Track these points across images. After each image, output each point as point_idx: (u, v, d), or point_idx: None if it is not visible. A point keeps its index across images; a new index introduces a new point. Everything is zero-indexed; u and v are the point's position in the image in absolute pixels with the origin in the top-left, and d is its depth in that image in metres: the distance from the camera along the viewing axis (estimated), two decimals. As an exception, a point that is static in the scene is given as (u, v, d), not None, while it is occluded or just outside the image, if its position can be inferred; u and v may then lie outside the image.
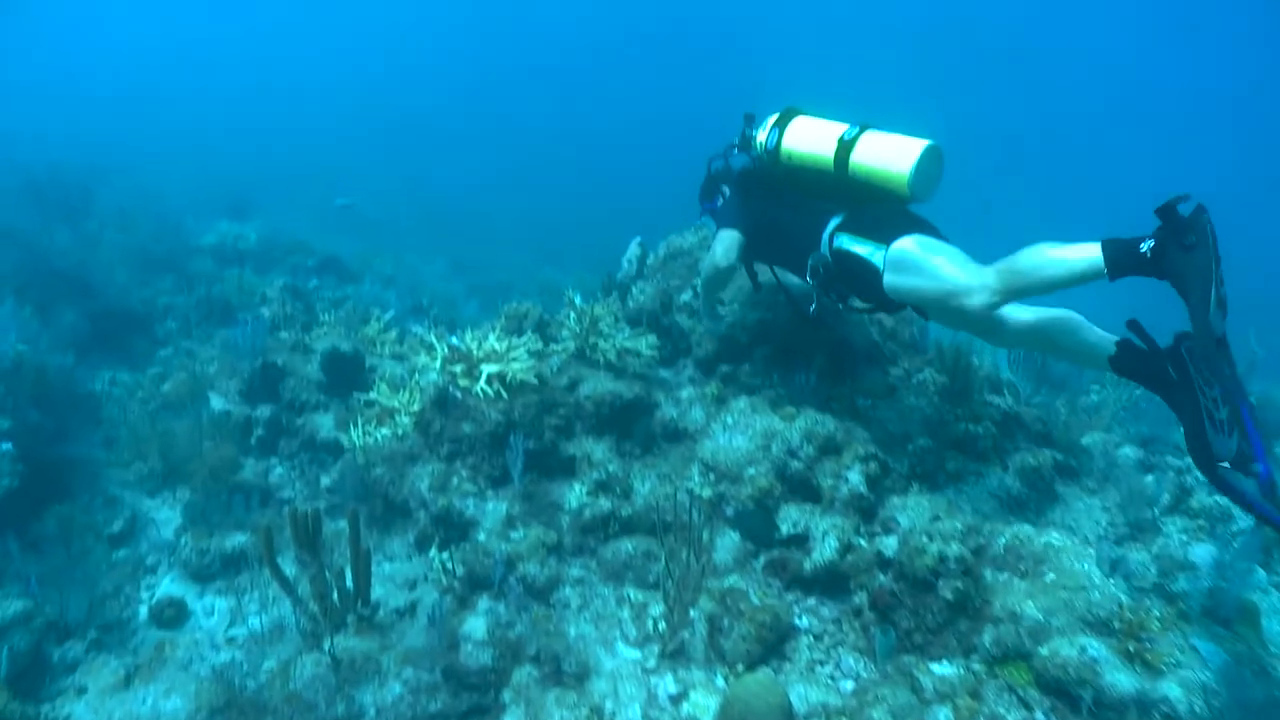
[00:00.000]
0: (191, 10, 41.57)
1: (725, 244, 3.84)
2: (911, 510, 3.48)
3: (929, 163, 3.26)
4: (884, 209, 3.34)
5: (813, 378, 4.02)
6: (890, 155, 3.27)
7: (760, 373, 4.51)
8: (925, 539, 2.89)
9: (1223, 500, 3.58)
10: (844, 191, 3.46)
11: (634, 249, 6.56)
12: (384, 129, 31.18)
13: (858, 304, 3.59)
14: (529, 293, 8.60)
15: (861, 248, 3.25)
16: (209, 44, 40.67)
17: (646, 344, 4.69)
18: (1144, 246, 2.48)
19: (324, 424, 4.81)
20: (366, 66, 40.98)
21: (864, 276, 3.26)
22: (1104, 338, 2.87)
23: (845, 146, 3.39)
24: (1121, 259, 2.53)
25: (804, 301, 3.78)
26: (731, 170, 4.04)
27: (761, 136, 3.74)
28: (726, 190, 4.14)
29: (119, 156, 13.86)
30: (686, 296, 5.43)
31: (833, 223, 3.40)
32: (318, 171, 21.29)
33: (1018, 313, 3.04)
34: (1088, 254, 2.61)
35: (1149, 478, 3.81)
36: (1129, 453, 4.10)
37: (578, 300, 4.66)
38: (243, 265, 8.62)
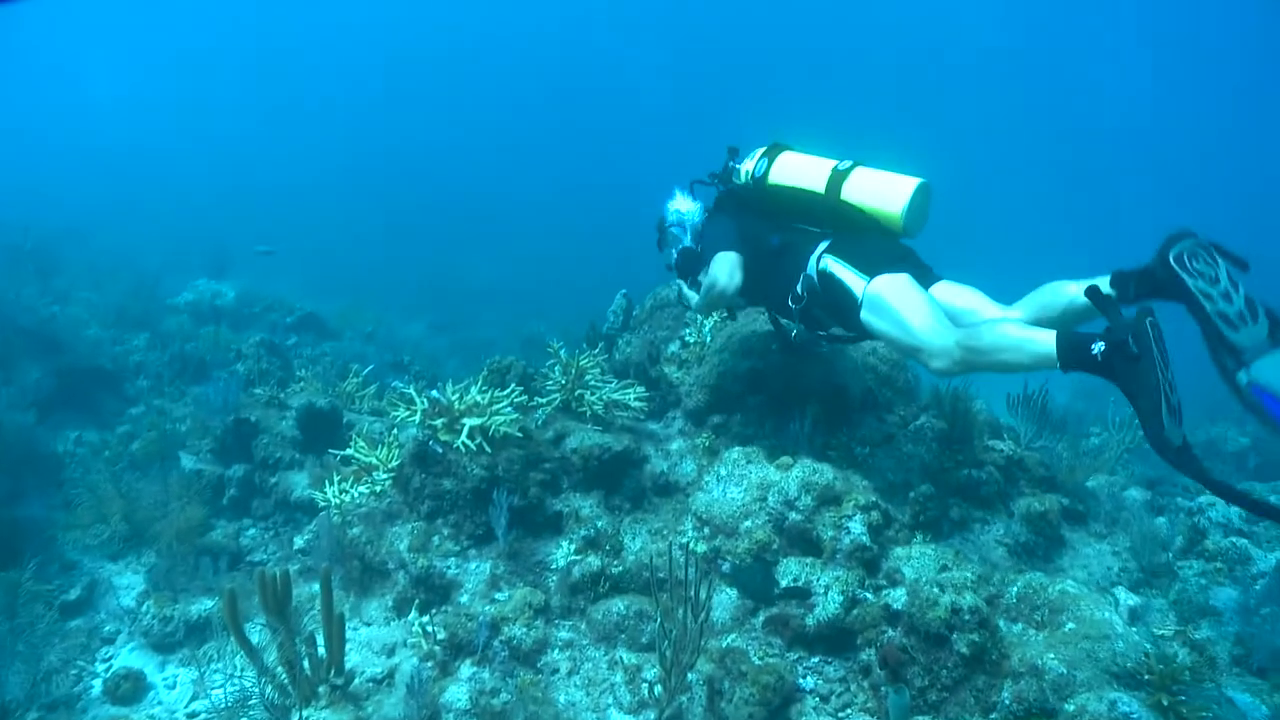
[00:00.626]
0: (174, 66, 42.18)
1: (726, 265, 3.58)
2: (916, 561, 3.32)
3: (920, 199, 3.33)
4: (874, 239, 3.35)
5: (808, 426, 3.90)
6: (883, 192, 3.34)
7: (753, 423, 4.38)
8: (936, 590, 2.73)
9: (1240, 542, 3.47)
10: (834, 218, 3.44)
11: (619, 301, 6.50)
12: (366, 188, 31.43)
13: (839, 332, 3.56)
14: (512, 348, 8.48)
15: (846, 273, 3.27)
16: (191, 99, 41.13)
17: (635, 395, 4.57)
18: (1095, 349, 2.37)
19: (298, 482, 4.60)
20: (349, 125, 41.53)
21: (844, 304, 3.27)
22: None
23: (837, 178, 3.42)
24: (1073, 357, 2.45)
25: (787, 329, 3.75)
26: (697, 206, 4.03)
27: (748, 166, 3.71)
28: (688, 231, 4.09)
29: (100, 214, 13.78)
30: (674, 348, 5.34)
31: (821, 245, 3.39)
32: (299, 230, 21.33)
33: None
34: (1042, 347, 2.54)
35: (1160, 520, 3.69)
36: (1136, 494, 3.99)
37: (562, 352, 4.54)
38: (219, 322, 8.46)
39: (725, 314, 5.25)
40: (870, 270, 3.19)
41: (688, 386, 4.73)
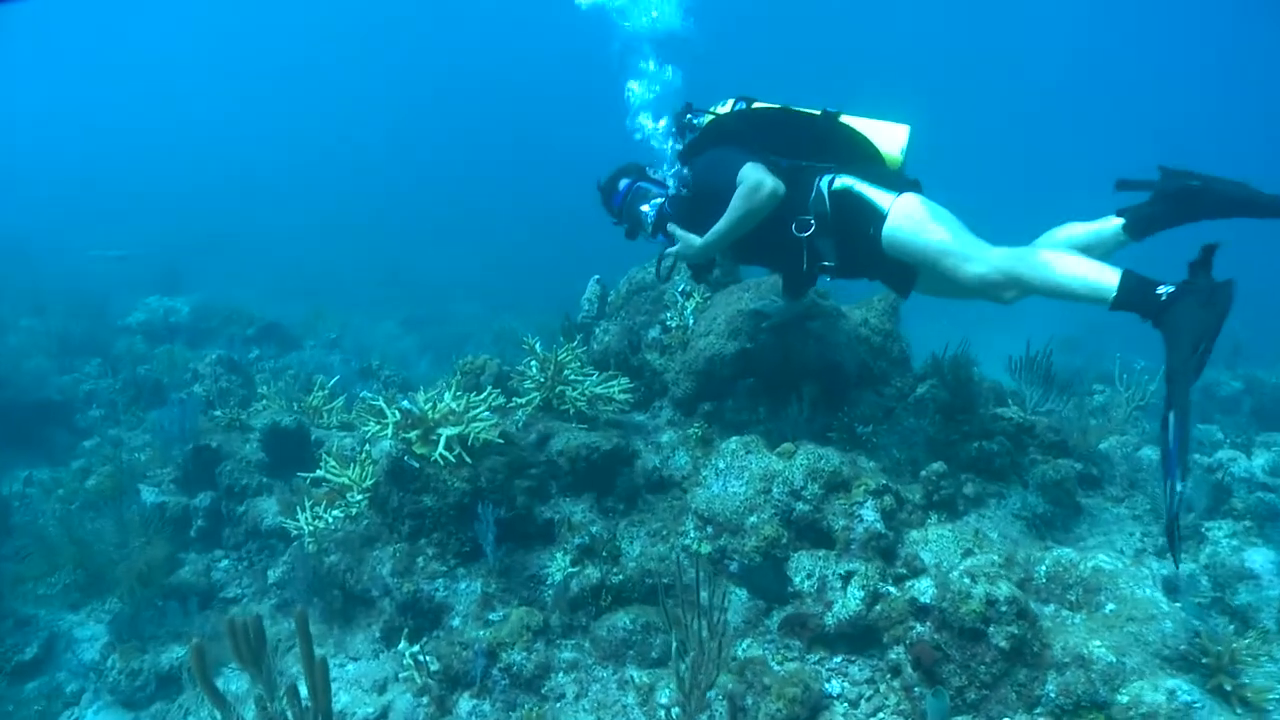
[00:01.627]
0: (118, 71, 40.71)
1: (759, 169, 3.11)
2: (935, 544, 3.12)
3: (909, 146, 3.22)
4: (883, 168, 3.19)
5: (806, 408, 3.67)
6: (878, 134, 3.20)
7: (746, 407, 4.16)
8: (967, 581, 2.53)
9: (1268, 498, 3.32)
10: (835, 145, 3.22)
11: (593, 287, 6.22)
12: (323, 185, 30.64)
13: (830, 264, 3.28)
14: (484, 344, 8.18)
15: (868, 189, 3.08)
16: (133, 106, 39.75)
17: (619, 388, 4.31)
18: (1161, 291, 2.45)
19: (268, 509, 4.29)
20: (302, 122, 40.40)
21: (862, 222, 3.06)
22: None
23: (830, 115, 3.25)
24: (1132, 296, 2.50)
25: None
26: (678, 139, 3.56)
27: (722, 110, 3.43)
28: (667, 181, 3.67)
29: (41, 232, 13.14)
30: (654, 333, 5.09)
31: (829, 174, 3.17)
32: (257, 236, 20.70)
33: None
34: (1104, 279, 2.55)
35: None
36: (1151, 454, 3.82)
37: (539, 347, 4.26)
38: (174, 341, 8.03)
39: (703, 286, 4.99)
40: (893, 188, 3.05)
41: (673, 374, 4.49)
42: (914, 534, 3.23)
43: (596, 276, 6.18)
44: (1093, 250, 2.85)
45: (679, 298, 4.99)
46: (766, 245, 3.34)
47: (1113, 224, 2.93)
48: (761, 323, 4.13)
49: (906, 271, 3.15)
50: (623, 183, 3.77)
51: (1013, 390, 4.16)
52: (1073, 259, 2.65)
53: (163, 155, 33.73)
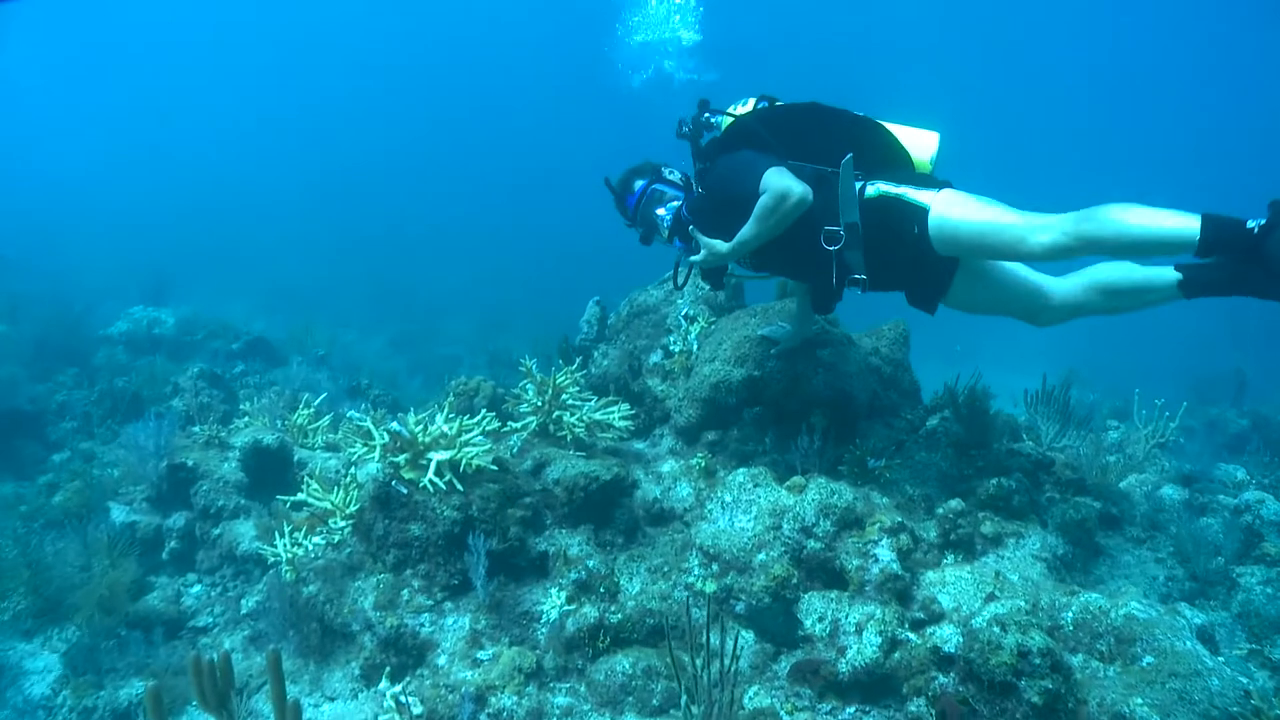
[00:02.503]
0: (111, 82, 40.60)
1: (786, 175, 2.91)
2: (953, 587, 2.95)
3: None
4: (915, 172, 3.04)
5: (817, 440, 3.50)
6: (908, 139, 3.07)
7: (752, 437, 3.99)
8: (997, 631, 2.35)
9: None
10: (865, 145, 3.04)
11: (592, 309, 6.06)
12: (317, 202, 30.52)
13: (861, 278, 3.09)
14: (478, 366, 7.99)
15: (907, 190, 2.91)
16: (131, 117, 39.60)
17: (620, 414, 4.14)
18: (1251, 223, 2.33)
19: (245, 533, 4.06)
20: (297, 139, 40.34)
21: (902, 224, 2.88)
22: (1159, 269, 2.72)
23: (859, 116, 3.12)
24: (1221, 234, 2.35)
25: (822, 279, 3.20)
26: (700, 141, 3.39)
27: (741, 110, 3.28)
28: (683, 184, 3.55)
29: (28, 239, 12.90)
30: (656, 358, 4.93)
31: (859, 180, 3.01)
32: (248, 249, 20.51)
33: (1063, 279, 2.91)
34: (1183, 223, 2.40)
35: (1208, 521, 3.38)
36: (1172, 493, 3.67)
37: (535, 369, 4.09)
38: (157, 353, 7.79)
39: (708, 310, 4.84)
40: (933, 186, 2.90)
41: (676, 401, 4.32)
42: (930, 575, 3.06)
43: (596, 298, 6.03)
44: (1137, 290, 2.75)
45: (682, 321, 4.84)
46: (792, 256, 3.18)
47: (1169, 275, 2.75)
48: (770, 349, 3.97)
49: (944, 275, 2.99)
50: (638, 184, 3.58)
51: (1026, 425, 4.00)
52: (1144, 210, 2.47)
53: (158, 166, 33.58)
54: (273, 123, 41.19)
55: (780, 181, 2.89)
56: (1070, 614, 2.73)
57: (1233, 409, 6.40)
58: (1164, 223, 2.43)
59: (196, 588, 4.15)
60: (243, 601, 3.76)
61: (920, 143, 3.07)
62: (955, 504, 3.22)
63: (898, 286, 3.13)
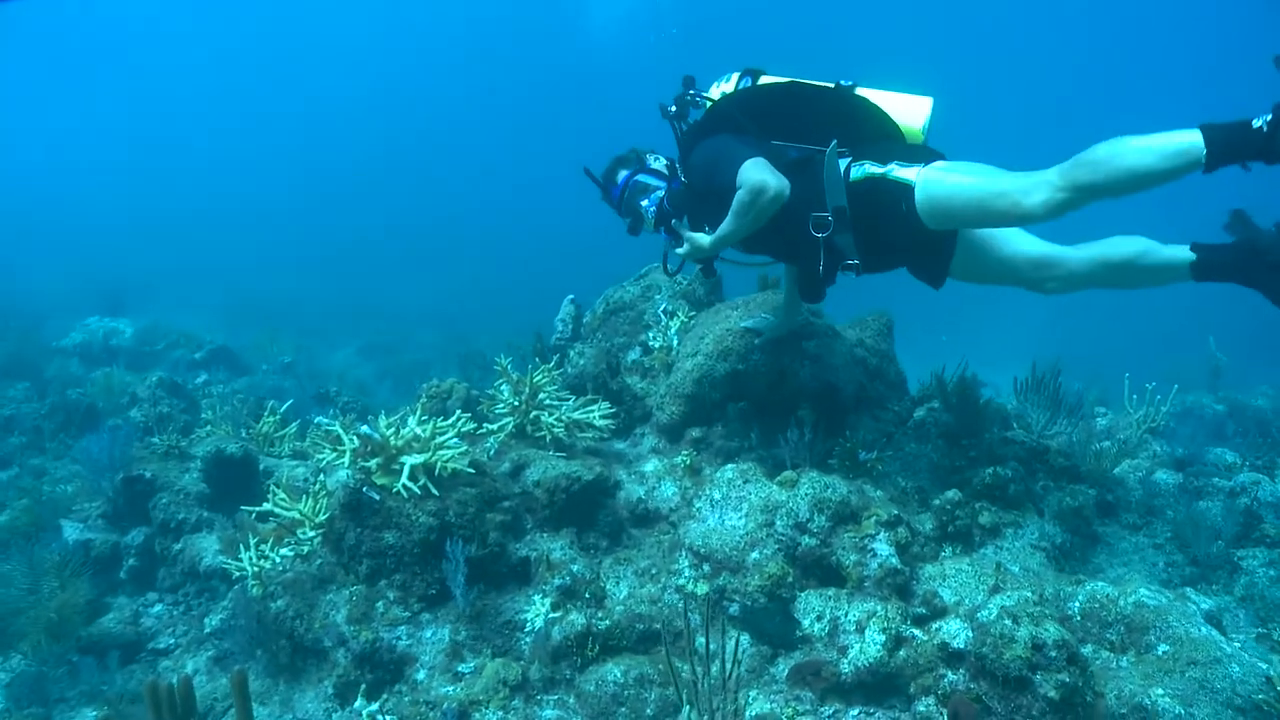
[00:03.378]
0: (73, 88, 39.56)
1: (764, 167, 2.77)
2: (954, 580, 2.85)
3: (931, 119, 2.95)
4: (904, 145, 2.91)
5: (808, 433, 3.39)
6: (897, 107, 2.92)
7: (737, 433, 3.87)
8: (1009, 623, 2.24)
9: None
10: (849, 122, 2.93)
11: (567, 308, 5.91)
12: (285, 212, 29.96)
13: (853, 261, 2.98)
14: (450, 370, 7.77)
15: (893, 168, 2.77)
16: (91, 122, 38.60)
17: (600, 413, 4.00)
18: (1257, 122, 2.16)
19: (208, 547, 3.84)
20: (263, 147, 39.58)
21: (890, 203, 2.74)
22: (1175, 249, 2.64)
23: (845, 88, 2.96)
24: (1228, 140, 2.18)
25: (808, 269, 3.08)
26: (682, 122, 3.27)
27: (724, 88, 3.15)
28: (666, 173, 3.42)
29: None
30: (635, 355, 4.80)
31: (843, 161, 2.88)
32: (212, 261, 20.04)
33: (1073, 250, 2.78)
34: (1183, 139, 2.23)
35: (1205, 505, 3.32)
36: (1166, 478, 3.61)
37: (511, 368, 3.93)
38: (114, 364, 7.47)
39: (687, 305, 4.72)
40: (918, 160, 2.76)
41: (658, 398, 4.19)
42: (929, 569, 2.96)
43: (571, 296, 5.87)
44: (1149, 266, 2.67)
45: (662, 317, 4.71)
46: (781, 243, 3.07)
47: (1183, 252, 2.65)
48: (753, 341, 3.86)
49: (944, 249, 2.88)
50: (621, 175, 3.45)
51: (1016, 413, 3.93)
52: (1137, 140, 2.31)
53: (119, 176, 32.74)
54: (237, 135, 40.41)
55: (756, 175, 2.76)
56: (1077, 604, 2.64)
57: (1209, 395, 6.42)
58: (1162, 145, 2.26)
59: (157, 607, 3.92)
60: (206, 620, 3.55)
61: (910, 110, 2.94)
62: (952, 495, 3.13)
63: (897, 265, 3.03)
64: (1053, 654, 2.16)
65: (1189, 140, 2.22)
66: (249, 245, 23.08)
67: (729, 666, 2.14)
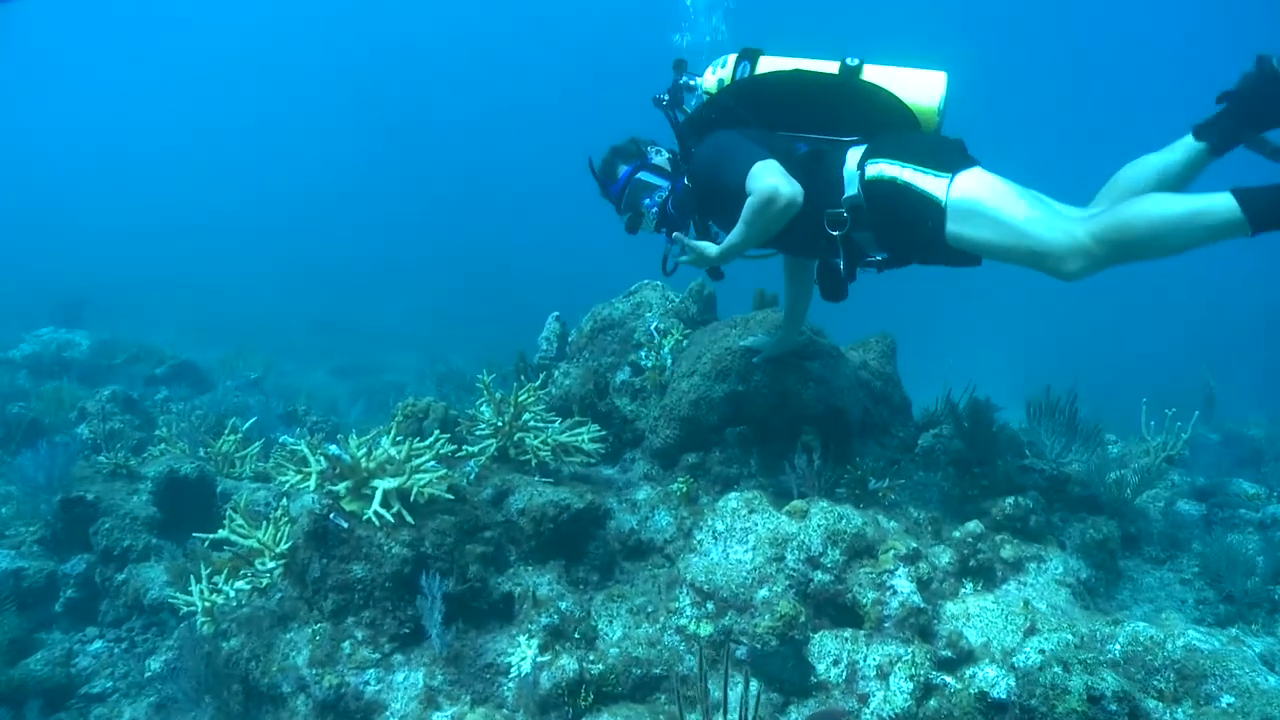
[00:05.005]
0: (36, 95, 38.75)
1: (775, 171, 2.58)
2: (979, 619, 2.61)
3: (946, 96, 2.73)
4: (918, 134, 2.70)
5: (817, 460, 3.16)
6: (908, 86, 2.70)
7: (736, 459, 3.64)
8: (1060, 671, 2.01)
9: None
10: (859, 111, 2.72)
11: (551, 325, 5.66)
12: (257, 229, 29.41)
13: (876, 259, 2.78)
14: (427, 390, 7.45)
15: (914, 175, 2.53)
16: (57, 131, 37.75)
17: (588, 436, 3.73)
18: None
19: (154, 578, 3.49)
20: (234, 159, 38.94)
21: (914, 214, 2.52)
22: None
23: (850, 70, 2.74)
24: (1270, 205, 2.04)
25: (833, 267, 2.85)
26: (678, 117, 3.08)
27: (720, 74, 2.93)
28: (668, 171, 3.19)
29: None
30: (624, 375, 4.54)
31: (859, 150, 2.67)
32: (183, 273, 19.53)
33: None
34: (1220, 205, 2.10)
35: (1236, 537, 3.13)
36: (1188, 509, 3.43)
37: (494, 386, 3.66)
38: (66, 377, 7.04)
39: (681, 324, 4.50)
40: (943, 166, 2.51)
41: (650, 421, 3.94)
42: (951, 607, 2.72)
43: (555, 314, 5.63)
44: (1172, 178, 2.47)
45: (654, 335, 4.47)
46: (796, 240, 2.85)
47: (1188, 143, 2.47)
48: (754, 360, 3.64)
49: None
50: (622, 170, 3.22)
51: (1028, 439, 3.73)
52: (1173, 203, 2.20)
53: (91, 188, 31.95)
54: (211, 153, 39.75)
55: (766, 181, 2.56)
56: (1118, 646, 2.40)
57: (1203, 425, 6.31)
58: (1201, 211, 2.14)
59: (96, 644, 3.55)
60: (149, 661, 3.19)
61: (923, 88, 2.72)
62: (973, 527, 2.90)
63: (923, 261, 2.82)
64: (1112, 707, 1.93)
65: (1226, 207, 2.10)
66: (222, 261, 22.52)
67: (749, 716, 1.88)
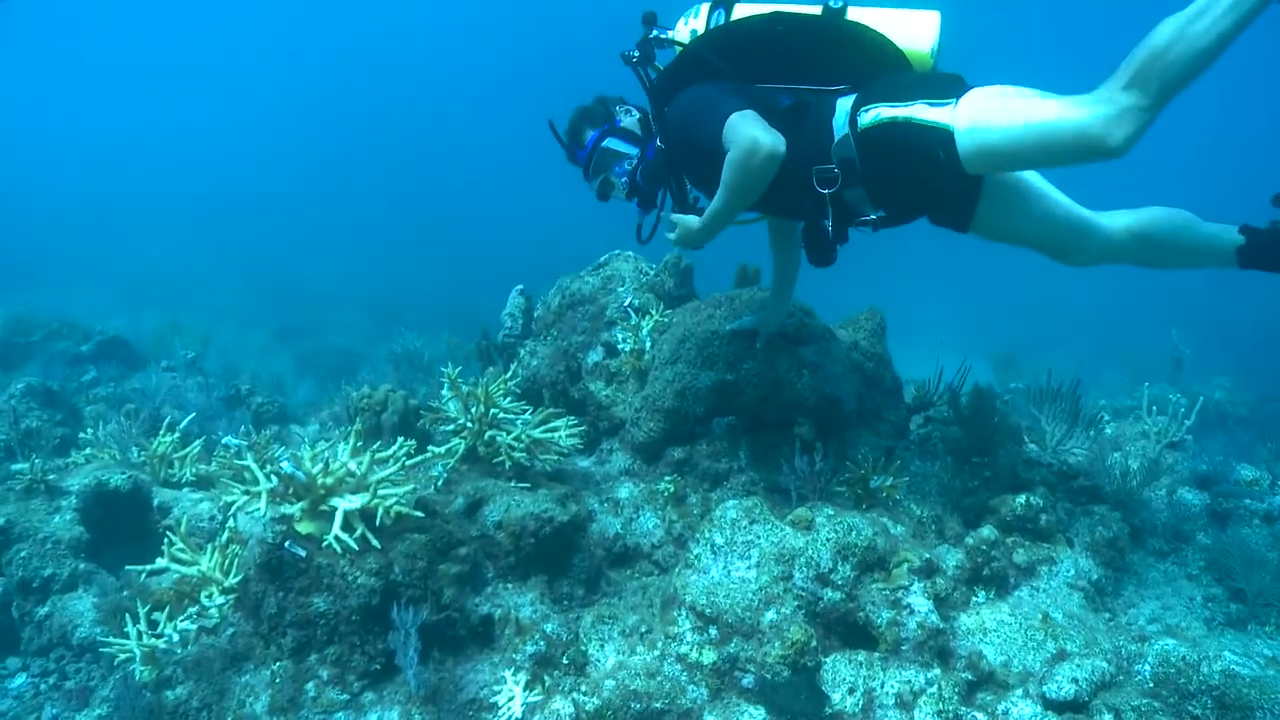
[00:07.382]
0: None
1: (756, 123, 2.31)
2: (996, 635, 2.46)
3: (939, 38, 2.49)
4: (913, 74, 2.43)
5: (818, 460, 2.94)
6: (898, 28, 2.44)
7: (725, 453, 3.41)
8: (1106, 712, 1.84)
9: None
10: (846, 55, 2.45)
11: (515, 300, 5.29)
12: (185, 179, 27.78)
13: (871, 217, 2.51)
14: (381, 369, 7.02)
15: (916, 109, 2.24)
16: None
17: (567, 431, 3.45)
18: None
19: (84, 612, 3.12)
20: (164, 116, 36.68)
21: (924, 150, 2.23)
22: (1222, 227, 2.35)
23: (834, 11, 2.45)
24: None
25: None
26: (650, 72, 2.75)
27: (693, 24, 2.63)
28: (639, 132, 2.91)
29: None
30: (596, 356, 4.24)
31: (845, 101, 2.39)
32: (105, 234, 18.32)
33: (1109, 220, 2.44)
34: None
35: (1246, 531, 3.03)
36: (1189, 498, 3.33)
37: (461, 381, 3.34)
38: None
39: (661, 303, 4.21)
40: (945, 94, 2.23)
41: (633, 412, 3.67)
42: (964, 619, 2.57)
43: (520, 287, 5.27)
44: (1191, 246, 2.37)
45: (630, 313, 4.17)
46: (779, 199, 2.56)
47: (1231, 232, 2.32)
48: (742, 348, 3.38)
49: (971, 193, 2.42)
50: (589, 135, 2.89)
51: (1028, 426, 3.59)
52: (1193, 12, 1.89)
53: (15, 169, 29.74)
54: (135, 96, 37.34)
55: (745, 133, 2.27)
56: (1148, 667, 2.28)
57: (1172, 390, 6.33)
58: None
59: (19, 679, 3.18)
60: (78, 718, 2.84)
61: (915, 30, 2.45)
62: (988, 533, 2.73)
63: (917, 217, 2.57)
64: (1170, 762, 1.77)
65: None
66: (149, 215, 21.23)
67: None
